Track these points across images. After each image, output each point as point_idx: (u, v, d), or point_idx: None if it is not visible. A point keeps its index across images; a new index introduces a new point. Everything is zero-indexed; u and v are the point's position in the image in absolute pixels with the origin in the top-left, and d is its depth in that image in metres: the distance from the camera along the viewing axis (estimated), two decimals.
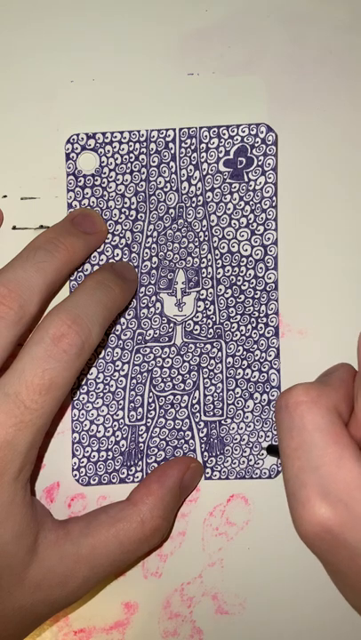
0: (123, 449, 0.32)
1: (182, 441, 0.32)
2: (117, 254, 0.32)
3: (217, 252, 0.32)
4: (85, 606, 0.32)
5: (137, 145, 0.32)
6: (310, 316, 0.32)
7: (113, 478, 0.32)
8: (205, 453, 0.32)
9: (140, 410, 0.32)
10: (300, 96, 0.32)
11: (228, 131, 0.32)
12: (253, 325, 0.32)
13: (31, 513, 0.28)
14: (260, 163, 0.32)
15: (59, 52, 0.32)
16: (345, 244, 0.32)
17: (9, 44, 0.32)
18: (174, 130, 0.32)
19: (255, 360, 0.32)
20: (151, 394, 0.32)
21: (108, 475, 0.32)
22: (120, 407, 0.32)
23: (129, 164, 0.32)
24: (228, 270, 0.32)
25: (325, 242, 0.32)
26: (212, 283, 0.32)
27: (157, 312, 0.32)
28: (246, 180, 0.32)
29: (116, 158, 0.32)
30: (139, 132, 0.32)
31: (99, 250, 0.32)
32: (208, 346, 0.32)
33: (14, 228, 0.32)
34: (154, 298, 0.32)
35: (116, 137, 0.32)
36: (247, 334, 0.32)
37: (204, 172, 0.32)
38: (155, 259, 0.32)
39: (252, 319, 0.32)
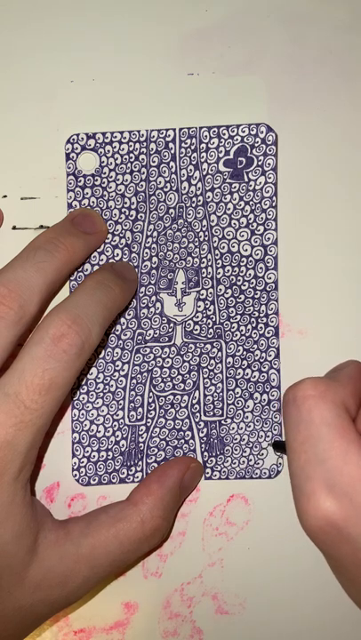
0: (123, 449, 0.32)
1: (182, 441, 0.32)
2: (117, 254, 0.32)
3: (217, 251, 0.32)
4: (85, 606, 0.32)
5: (137, 145, 0.32)
6: (310, 316, 0.32)
7: (113, 478, 0.32)
8: (205, 453, 0.32)
9: (140, 410, 0.32)
10: (300, 96, 0.32)
11: (228, 131, 0.32)
12: (253, 325, 0.32)
13: (31, 513, 0.28)
14: (260, 163, 0.32)
15: (59, 51, 0.32)
16: (345, 244, 0.32)
17: (9, 44, 0.32)
18: (174, 130, 0.32)
19: (255, 360, 0.32)
20: (151, 394, 0.32)
21: (108, 475, 0.32)
22: (120, 407, 0.32)
23: (129, 164, 0.32)
24: (228, 270, 0.32)
25: (325, 242, 0.32)
26: (212, 283, 0.32)
27: (157, 312, 0.32)
28: (246, 179, 0.32)
29: (116, 158, 0.32)
30: (139, 132, 0.32)
31: (99, 250, 0.32)
32: (208, 346, 0.32)
33: (14, 228, 0.32)
34: (154, 298, 0.32)
35: (116, 137, 0.32)
36: (247, 334, 0.32)
37: (204, 172, 0.32)
38: (155, 259, 0.32)
39: (252, 319, 0.32)
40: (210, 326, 0.32)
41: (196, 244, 0.32)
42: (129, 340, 0.32)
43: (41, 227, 0.32)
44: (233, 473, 0.32)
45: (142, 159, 0.32)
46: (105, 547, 0.29)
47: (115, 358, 0.32)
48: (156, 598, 0.32)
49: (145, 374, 0.32)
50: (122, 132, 0.32)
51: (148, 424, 0.32)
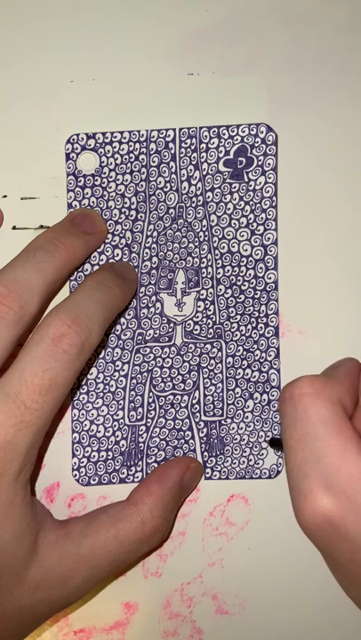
0: (123, 449, 0.32)
1: (182, 441, 0.32)
2: (117, 254, 0.32)
3: (217, 251, 0.32)
4: (85, 606, 0.32)
5: (137, 145, 0.32)
6: (310, 316, 0.32)
7: (113, 478, 0.32)
8: (205, 453, 0.32)
9: (140, 410, 0.32)
10: (300, 96, 0.32)
11: (228, 131, 0.32)
12: (253, 325, 0.32)
13: (31, 513, 0.28)
14: (260, 163, 0.32)
15: (59, 51, 0.32)
16: (345, 244, 0.32)
17: (9, 44, 0.32)
18: (174, 130, 0.32)
19: (255, 360, 0.32)
20: (151, 394, 0.32)
21: (108, 475, 0.32)
22: (120, 407, 0.32)
23: (129, 164, 0.32)
24: (228, 270, 0.32)
25: (325, 242, 0.32)
26: (212, 283, 0.32)
27: (157, 312, 0.32)
28: (246, 179, 0.32)
29: (116, 158, 0.32)
30: (139, 132, 0.32)
31: (99, 250, 0.32)
32: (208, 346, 0.32)
33: (14, 228, 0.32)
34: (154, 298, 0.32)
35: (116, 137, 0.32)
36: (247, 334, 0.32)
37: (204, 172, 0.32)
38: (155, 259, 0.32)
39: (252, 319, 0.32)
40: (210, 326, 0.32)
41: (196, 243, 0.32)
42: (129, 340, 0.32)
43: (41, 227, 0.32)
44: (233, 473, 0.32)
45: (142, 159, 0.32)
46: (105, 547, 0.29)
47: (115, 358, 0.32)
48: (156, 598, 0.32)
49: (145, 374, 0.32)
50: (122, 132, 0.32)
51: (148, 424, 0.32)
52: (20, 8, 0.33)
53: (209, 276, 0.32)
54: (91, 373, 0.32)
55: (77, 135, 0.32)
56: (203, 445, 0.32)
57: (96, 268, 0.32)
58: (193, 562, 0.32)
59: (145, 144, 0.32)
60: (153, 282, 0.32)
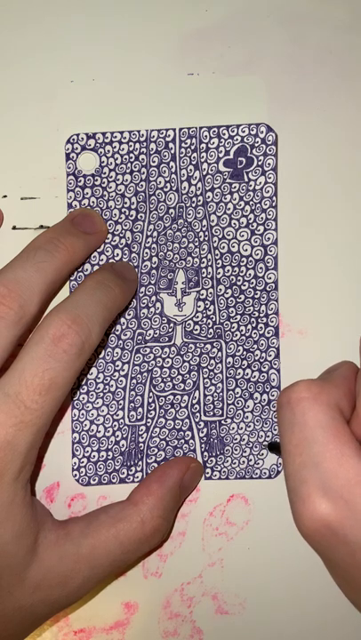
0: (123, 449, 0.32)
1: (182, 441, 0.32)
2: (117, 254, 0.32)
3: (217, 251, 0.32)
4: (85, 606, 0.32)
5: (137, 145, 0.32)
6: (310, 316, 0.32)
7: (113, 478, 0.32)
8: (205, 453, 0.32)
9: (140, 410, 0.32)
10: (300, 96, 0.32)
11: (228, 131, 0.32)
12: (253, 325, 0.32)
13: (31, 513, 0.28)
14: (260, 163, 0.32)
15: (59, 51, 0.32)
16: (345, 244, 0.32)
17: (9, 44, 0.32)
18: (174, 130, 0.32)
19: (255, 360, 0.32)
20: (151, 394, 0.32)
21: (108, 475, 0.32)
22: (120, 407, 0.32)
23: (129, 164, 0.32)
24: (228, 270, 0.32)
25: (325, 242, 0.32)
26: (212, 283, 0.32)
27: (157, 312, 0.32)
28: (246, 179, 0.32)
29: (116, 158, 0.32)
30: (139, 132, 0.32)
31: (99, 250, 0.32)
32: (208, 346, 0.32)
33: (14, 228, 0.32)
34: (154, 298, 0.32)
35: (116, 137, 0.32)
36: (247, 334, 0.32)
37: (204, 172, 0.32)
38: (155, 259, 0.32)
39: (252, 319, 0.32)
40: (210, 326, 0.32)
41: (196, 243, 0.32)
42: (129, 340, 0.32)
43: (41, 227, 0.32)
44: (233, 473, 0.32)
45: (142, 159, 0.32)
46: (105, 547, 0.29)
47: (115, 358, 0.32)
48: (156, 598, 0.32)
49: (145, 374, 0.32)
50: (122, 132, 0.32)
51: (148, 424, 0.32)
52: (20, 8, 0.33)
53: (209, 276, 0.32)
54: (91, 373, 0.32)
55: (77, 135, 0.32)
56: (203, 445, 0.32)
57: (96, 268, 0.32)
58: (193, 562, 0.32)
59: (145, 144, 0.32)
60: (153, 282, 0.32)
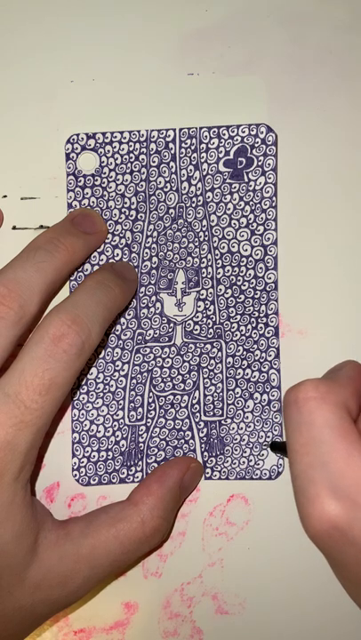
0: (123, 449, 0.32)
1: (182, 441, 0.32)
2: (117, 254, 0.32)
3: (217, 251, 0.32)
4: (85, 606, 0.32)
5: (137, 145, 0.32)
6: (310, 316, 0.32)
7: (113, 478, 0.32)
8: (205, 453, 0.32)
9: (140, 410, 0.32)
10: (300, 96, 0.32)
11: (228, 131, 0.32)
12: (253, 325, 0.32)
13: (31, 513, 0.28)
14: (260, 163, 0.32)
15: (59, 51, 0.32)
16: (345, 244, 0.32)
17: (9, 44, 0.32)
18: (174, 130, 0.32)
19: (255, 360, 0.32)
20: (151, 394, 0.32)
21: (108, 475, 0.32)
22: (120, 407, 0.32)
23: (129, 164, 0.32)
24: (228, 270, 0.32)
25: (325, 242, 0.32)
26: (212, 283, 0.32)
27: (157, 312, 0.32)
28: (246, 180, 0.32)
29: (116, 158, 0.32)
30: (139, 132, 0.32)
31: (99, 250, 0.32)
32: (208, 346, 0.32)
33: (14, 228, 0.32)
34: (154, 298, 0.32)
35: (116, 137, 0.32)
36: (247, 334, 0.32)
37: (204, 173, 0.32)
38: (155, 259, 0.32)
39: (252, 319, 0.32)
40: (210, 326, 0.32)
41: (196, 244, 0.32)
42: (129, 340, 0.32)
43: (41, 227, 0.32)
44: (233, 473, 0.32)
45: (142, 159, 0.32)
46: (105, 547, 0.29)
47: (115, 358, 0.32)
48: (156, 598, 0.32)
49: (145, 374, 0.32)
50: (122, 132, 0.32)
51: (148, 424, 0.32)
52: (20, 8, 0.33)
53: (209, 276, 0.32)
54: (91, 373, 0.32)
55: (77, 135, 0.32)
56: (203, 445, 0.32)
57: (96, 268, 0.32)
58: (193, 562, 0.32)
59: (145, 144, 0.32)
60: (153, 282, 0.32)
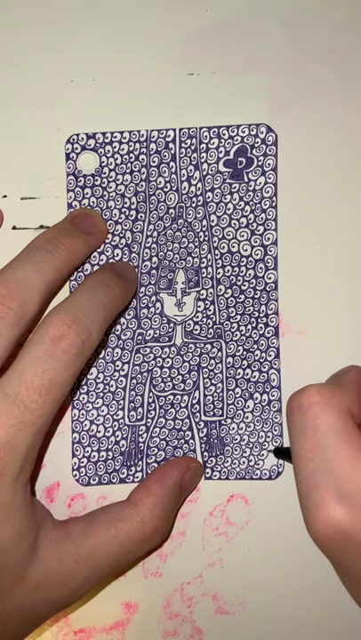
0: (123, 449, 0.32)
1: (182, 441, 0.32)
2: (117, 254, 0.32)
3: (217, 251, 0.32)
4: (85, 606, 0.32)
5: (137, 145, 0.32)
6: (310, 316, 0.32)
7: (113, 478, 0.32)
8: (205, 453, 0.32)
9: (140, 410, 0.32)
10: (300, 96, 0.32)
11: (228, 131, 0.32)
12: (253, 325, 0.32)
13: (31, 513, 0.28)
14: (260, 163, 0.32)
15: (59, 51, 0.32)
16: (345, 244, 0.32)
17: (9, 44, 0.32)
18: (174, 130, 0.32)
19: (255, 360, 0.32)
20: (151, 394, 0.32)
21: (108, 475, 0.32)
22: (120, 407, 0.32)
23: (129, 164, 0.32)
24: (228, 270, 0.32)
25: (325, 242, 0.32)
26: (212, 283, 0.32)
27: (157, 312, 0.32)
28: (246, 180, 0.32)
29: (116, 158, 0.32)
30: (139, 132, 0.32)
31: (99, 250, 0.32)
32: (208, 346, 0.32)
33: (14, 228, 0.32)
34: (154, 298, 0.32)
35: (116, 137, 0.32)
36: (247, 334, 0.32)
37: (204, 173, 0.32)
38: (155, 259, 0.32)
39: (252, 319, 0.32)
40: (210, 326, 0.32)
41: (196, 244, 0.32)
42: (129, 340, 0.32)
43: (41, 227, 0.32)
44: (233, 473, 0.32)
45: (142, 159, 0.32)
46: (105, 547, 0.29)
47: (115, 358, 0.32)
48: (156, 598, 0.32)
49: (145, 374, 0.32)
50: (122, 132, 0.32)
51: (148, 424, 0.32)
52: (20, 8, 0.33)
53: (209, 276, 0.32)
54: (91, 373, 0.32)
55: (77, 135, 0.32)
56: (203, 445, 0.32)
57: (96, 268, 0.32)
58: (193, 562, 0.32)
59: (145, 144, 0.32)
60: (153, 282, 0.32)
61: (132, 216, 0.32)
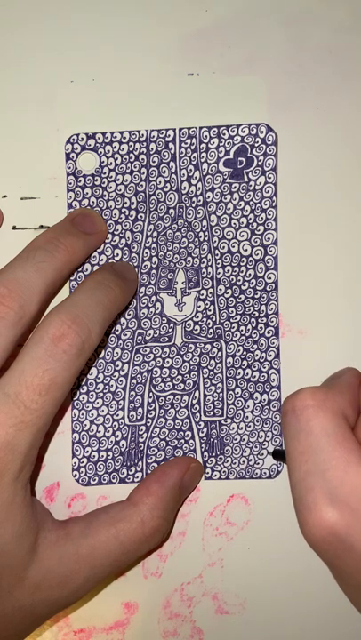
0: (123, 449, 0.32)
1: (182, 441, 0.32)
2: (117, 254, 0.32)
3: (217, 251, 0.32)
4: (85, 606, 0.32)
5: (137, 145, 0.32)
6: (310, 316, 0.32)
7: (113, 478, 0.32)
8: (205, 453, 0.32)
9: (140, 410, 0.32)
10: (300, 96, 0.32)
11: (228, 131, 0.32)
12: (253, 325, 0.32)
13: (31, 513, 0.28)
14: (260, 163, 0.32)
15: (59, 51, 0.32)
16: (345, 244, 0.32)
17: (9, 44, 0.32)
18: (174, 130, 0.32)
19: (255, 360, 0.32)
20: (151, 394, 0.32)
21: (108, 475, 0.32)
22: (120, 407, 0.32)
23: (129, 164, 0.32)
24: (228, 270, 0.32)
25: (325, 242, 0.32)
26: (212, 283, 0.32)
27: (157, 312, 0.32)
28: (246, 179, 0.32)
29: (116, 158, 0.32)
30: (139, 132, 0.32)
31: (99, 250, 0.32)
32: (208, 346, 0.32)
33: (14, 228, 0.32)
34: (154, 298, 0.32)
35: (116, 137, 0.32)
36: (247, 334, 0.32)
37: (204, 172, 0.32)
38: (155, 259, 0.32)
39: (252, 319, 0.32)
40: (210, 326, 0.32)
41: (196, 243, 0.32)
42: (129, 340, 0.32)
43: (41, 227, 0.32)
44: (233, 473, 0.32)
45: (142, 159, 0.32)
46: (105, 547, 0.29)
47: (115, 358, 0.32)
48: (156, 598, 0.32)
49: (145, 374, 0.32)
50: (122, 132, 0.32)
51: (148, 424, 0.32)
52: (20, 8, 0.33)
53: (209, 276, 0.32)
54: (91, 373, 0.32)
55: (77, 135, 0.32)
56: (203, 445, 0.32)
57: (96, 268, 0.32)
58: (193, 562, 0.32)
59: (145, 144, 0.32)
60: (153, 282, 0.32)
61: (132, 216, 0.32)
